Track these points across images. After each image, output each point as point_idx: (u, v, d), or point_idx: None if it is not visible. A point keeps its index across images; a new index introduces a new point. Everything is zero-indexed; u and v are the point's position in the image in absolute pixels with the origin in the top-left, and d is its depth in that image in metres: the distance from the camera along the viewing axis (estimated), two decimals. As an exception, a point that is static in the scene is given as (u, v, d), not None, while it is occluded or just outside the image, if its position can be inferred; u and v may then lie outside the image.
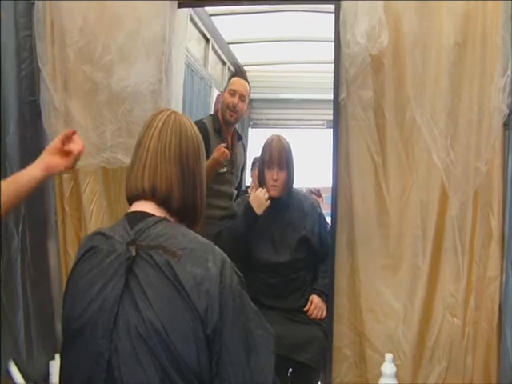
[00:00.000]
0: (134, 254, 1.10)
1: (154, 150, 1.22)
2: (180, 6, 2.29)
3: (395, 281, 2.13)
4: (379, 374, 1.80)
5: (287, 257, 2.47)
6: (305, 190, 4.13)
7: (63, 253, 2.36)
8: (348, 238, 2.18)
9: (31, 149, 2.21)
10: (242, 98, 2.90)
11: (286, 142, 2.56)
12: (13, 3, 2.13)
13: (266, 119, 5.99)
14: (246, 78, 2.96)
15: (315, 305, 2.46)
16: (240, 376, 1.04)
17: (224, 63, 4.92)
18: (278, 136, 2.58)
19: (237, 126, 3.12)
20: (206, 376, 1.04)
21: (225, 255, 1.13)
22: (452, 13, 1.98)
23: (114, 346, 1.05)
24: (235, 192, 3.10)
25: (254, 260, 2.47)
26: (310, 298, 2.49)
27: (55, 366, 2.19)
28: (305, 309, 2.47)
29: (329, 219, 2.33)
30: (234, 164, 3.01)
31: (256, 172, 2.81)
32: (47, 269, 2.31)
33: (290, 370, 2.42)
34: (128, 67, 2.17)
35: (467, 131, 2.00)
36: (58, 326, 2.26)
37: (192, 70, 3.89)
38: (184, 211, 1.25)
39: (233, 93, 2.89)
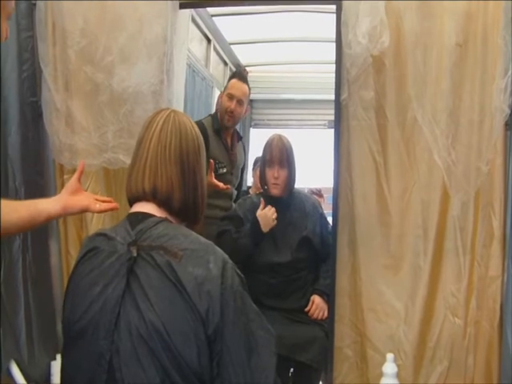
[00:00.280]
0: (135, 254, 1.10)
1: (154, 150, 1.22)
2: (181, 6, 2.30)
3: (396, 280, 2.13)
4: (380, 375, 1.79)
5: (288, 257, 2.47)
6: (306, 190, 4.13)
7: (65, 253, 2.36)
8: (349, 238, 2.18)
9: (32, 149, 2.22)
10: (239, 102, 2.87)
11: (287, 140, 2.56)
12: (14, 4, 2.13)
13: (268, 119, 5.98)
14: (245, 80, 2.93)
15: (316, 305, 2.46)
16: (241, 377, 1.03)
17: (226, 64, 4.92)
18: (279, 135, 2.59)
19: (238, 126, 3.11)
20: (206, 377, 1.03)
21: (226, 256, 1.13)
22: (453, 13, 1.98)
23: (115, 347, 1.05)
24: (235, 192, 3.10)
25: (255, 260, 2.47)
26: (312, 298, 2.49)
27: (56, 366, 2.18)
28: (306, 309, 2.47)
29: (330, 219, 2.32)
30: (234, 164, 3.00)
31: (258, 172, 2.82)
32: (48, 269, 2.30)
33: (292, 370, 2.41)
34: (129, 68, 2.17)
35: (468, 131, 2.00)
36: (60, 327, 2.24)
37: (194, 71, 3.89)
38: (185, 211, 1.25)
39: (230, 97, 2.87)
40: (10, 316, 2.04)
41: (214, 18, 3.99)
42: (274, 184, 2.51)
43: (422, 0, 2.01)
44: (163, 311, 1.04)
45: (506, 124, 1.97)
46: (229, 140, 2.99)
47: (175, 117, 1.27)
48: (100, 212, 1.49)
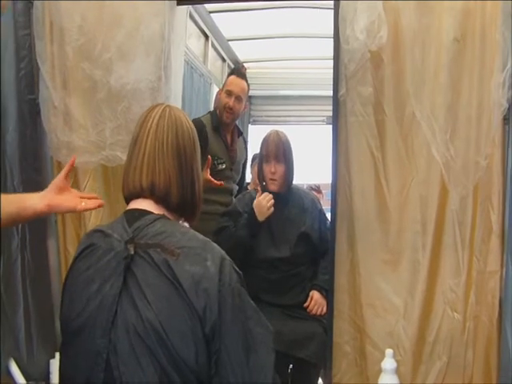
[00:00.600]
0: (132, 252, 1.09)
1: (151, 146, 1.22)
2: (179, 3, 2.29)
3: (395, 276, 2.12)
4: (379, 371, 1.79)
5: (287, 252, 2.47)
6: (305, 187, 4.13)
7: (63, 251, 2.36)
8: (348, 234, 2.18)
9: (30, 147, 2.22)
10: (238, 98, 2.88)
11: (284, 136, 2.56)
12: (12, 2, 2.13)
13: (266, 116, 5.98)
14: (243, 77, 2.93)
15: (315, 301, 2.47)
16: (239, 375, 1.03)
17: (224, 60, 4.92)
18: (276, 131, 2.59)
19: (237, 122, 3.11)
20: (204, 375, 1.03)
21: (223, 253, 1.12)
22: (451, 8, 1.98)
23: (112, 346, 1.05)
24: (236, 187, 3.10)
25: (254, 256, 2.47)
26: (310, 293, 2.49)
27: (55, 364, 2.19)
28: (305, 305, 2.47)
29: (329, 215, 2.33)
30: (234, 160, 3.01)
31: (256, 168, 2.81)
32: (47, 267, 2.31)
33: (291, 366, 2.42)
34: (127, 65, 2.17)
35: (467, 126, 2.00)
36: (58, 325, 2.26)
37: (192, 67, 3.89)
38: (183, 207, 1.25)
39: (229, 93, 2.88)
40: (9, 314, 2.04)
41: (211, 14, 3.99)
42: (271, 179, 2.51)
43: (420, -3, 2.00)
44: (160, 309, 1.03)
45: (505, 118, 1.96)
46: (228, 136, 2.99)
47: (170, 112, 1.26)
48: (85, 210, 1.46)
